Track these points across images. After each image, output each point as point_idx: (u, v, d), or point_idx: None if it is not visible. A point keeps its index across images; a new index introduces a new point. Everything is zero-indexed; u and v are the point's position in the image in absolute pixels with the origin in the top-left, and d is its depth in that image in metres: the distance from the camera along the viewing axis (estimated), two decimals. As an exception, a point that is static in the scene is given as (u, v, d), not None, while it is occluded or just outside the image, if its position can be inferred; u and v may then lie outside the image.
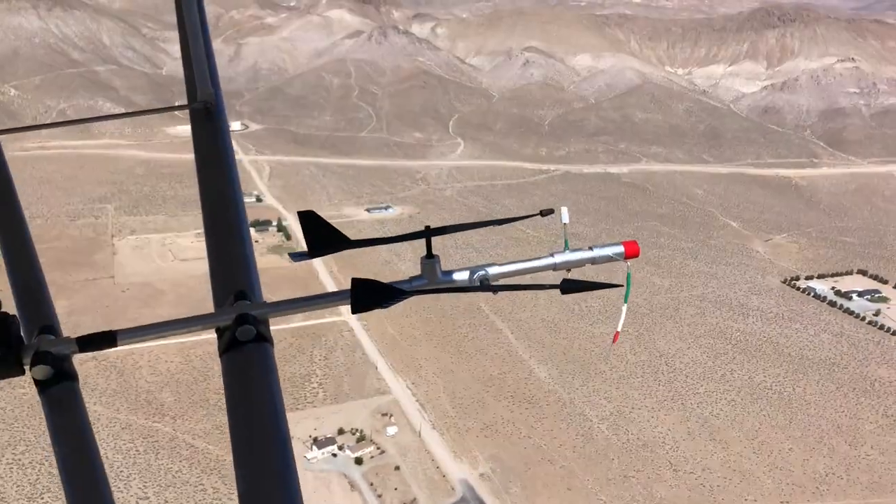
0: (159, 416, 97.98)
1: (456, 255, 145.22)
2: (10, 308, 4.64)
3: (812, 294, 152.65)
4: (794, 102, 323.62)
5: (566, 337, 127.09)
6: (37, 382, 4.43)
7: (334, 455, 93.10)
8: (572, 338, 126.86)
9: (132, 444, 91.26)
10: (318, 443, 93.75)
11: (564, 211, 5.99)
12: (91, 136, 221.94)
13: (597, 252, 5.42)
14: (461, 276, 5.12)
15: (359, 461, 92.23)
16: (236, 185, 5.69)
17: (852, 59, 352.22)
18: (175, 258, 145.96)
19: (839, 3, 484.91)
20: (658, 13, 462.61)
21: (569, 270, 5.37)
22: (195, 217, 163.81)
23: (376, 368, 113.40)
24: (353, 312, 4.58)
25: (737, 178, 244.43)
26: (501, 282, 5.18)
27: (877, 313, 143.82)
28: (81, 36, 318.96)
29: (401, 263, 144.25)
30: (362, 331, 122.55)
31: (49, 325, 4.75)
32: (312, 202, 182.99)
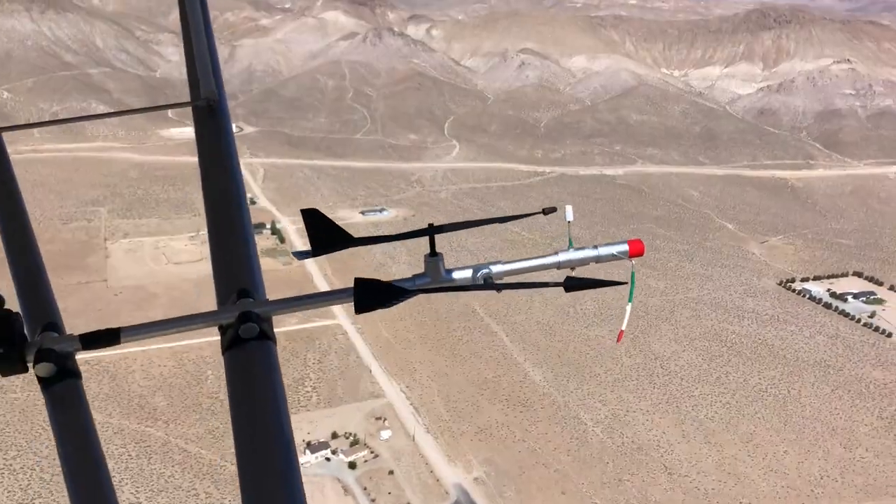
0: (152, 420, 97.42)
1: (450, 258, 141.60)
2: (14, 305, 4.63)
3: (808, 296, 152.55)
4: (789, 104, 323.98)
5: (561, 340, 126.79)
6: (40, 380, 4.44)
7: (328, 459, 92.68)
8: (567, 340, 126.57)
9: (124, 449, 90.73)
10: (312, 447, 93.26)
11: (569, 209, 6.01)
12: (85, 139, 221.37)
13: (601, 250, 5.44)
14: (465, 275, 5.13)
15: (352, 465, 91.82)
16: (239, 181, 5.72)
17: (848, 60, 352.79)
18: (168, 261, 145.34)
19: (834, 5, 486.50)
20: (653, 15, 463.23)
21: (573, 269, 5.35)
22: (189, 220, 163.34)
23: (370, 372, 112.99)
24: (357, 312, 4.59)
25: (733, 179, 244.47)
26: (505, 280, 5.15)
27: (872, 315, 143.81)
28: (74, 38, 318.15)
29: (395, 266, 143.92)
30: (356, 334, 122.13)
31: (52, 323, 4.82)
32: (307, 205, 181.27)
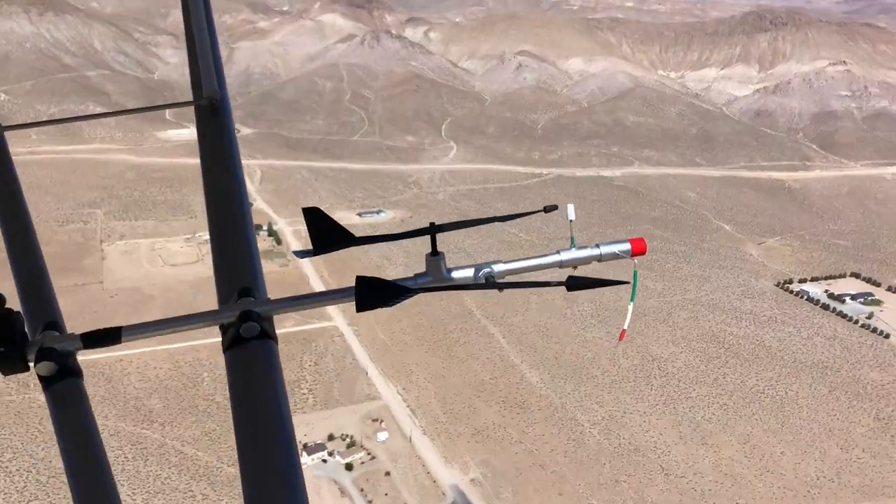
0: (148, 422, 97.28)
1: (448, 259, 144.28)
2: (15, 304, 4.64)
3: (805, 297, 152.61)
4: (786, 105, 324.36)
5: (558, 341, 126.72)
6: (41, 378, 4.43)
7: (324, 461, 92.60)
8: (564, 342, 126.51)
9: (121, 451, 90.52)
10: (309, 449, 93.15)
11: (571, 208, 5.93)
12: (82, 141, 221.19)
13: (603, 249, 5.38)
14: (466, 274, 5.12)
15: (349, 467, 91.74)
16: (241, 181, 5.71)
17: (844, 62, 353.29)
18: (164, 263, 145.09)
19: (830, 7, 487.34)
20: (650, 17, 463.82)
21: (575, 268, 5.30)
22: (185, 222, 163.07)
23: (367, 374, 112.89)
24: (358, 311, 4.58)
25: (729, 181, 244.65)
26: (507, 279, 5.11)
27: (870, 316, 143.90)
28: (73, 41, 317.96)
29: (392, 268, 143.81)
30: (353, 336, 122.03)
31: (53, 322, 4.78)
32: (304, 206, 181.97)
